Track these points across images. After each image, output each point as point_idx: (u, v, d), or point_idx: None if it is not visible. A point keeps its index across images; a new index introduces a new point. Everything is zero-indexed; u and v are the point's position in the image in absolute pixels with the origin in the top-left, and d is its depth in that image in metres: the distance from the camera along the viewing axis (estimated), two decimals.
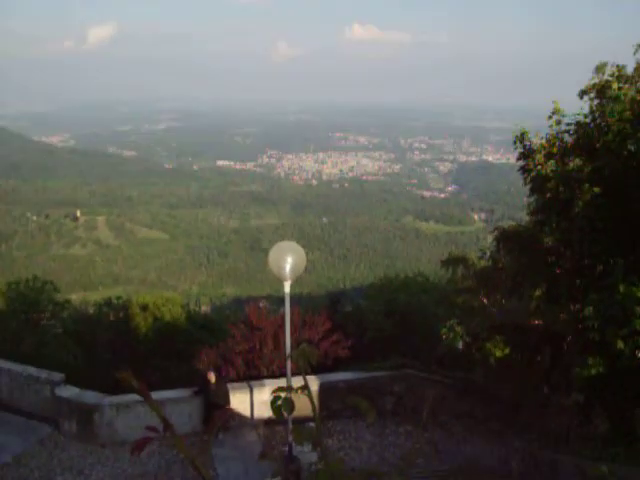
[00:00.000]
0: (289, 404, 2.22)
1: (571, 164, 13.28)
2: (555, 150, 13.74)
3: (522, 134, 14.44)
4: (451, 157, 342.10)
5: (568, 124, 13.98)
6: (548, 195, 13.57)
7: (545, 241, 14.09)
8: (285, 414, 2.23)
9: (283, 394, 2.25)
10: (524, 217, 17.05)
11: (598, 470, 5.21)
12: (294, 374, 13.47)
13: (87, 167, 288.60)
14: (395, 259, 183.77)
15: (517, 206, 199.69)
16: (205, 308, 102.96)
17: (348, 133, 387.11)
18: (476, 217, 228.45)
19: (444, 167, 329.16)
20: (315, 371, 18.00)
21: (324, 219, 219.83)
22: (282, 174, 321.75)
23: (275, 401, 2.23)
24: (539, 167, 13.71)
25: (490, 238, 17.70)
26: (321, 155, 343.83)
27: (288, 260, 11.71)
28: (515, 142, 14.55)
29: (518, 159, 14.57)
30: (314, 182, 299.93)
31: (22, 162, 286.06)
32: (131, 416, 16.33)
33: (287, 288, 12.16)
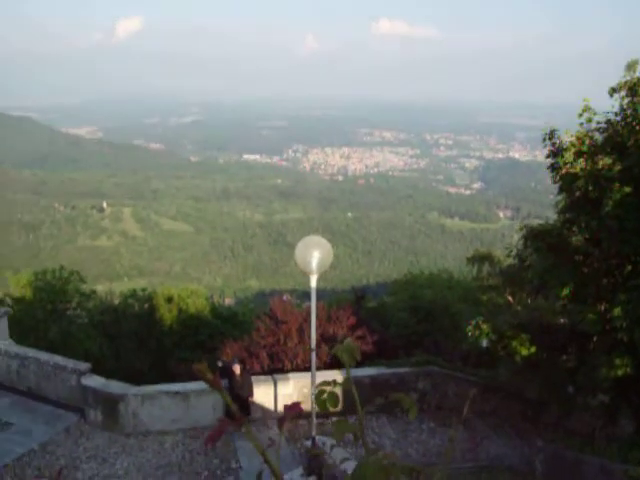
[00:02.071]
0: (334, 398, 2.23)
1: (601, 162, 13.14)
2: (585, 148, 13.61)
3: (552, 132, 14.30)
4: (477, 154, 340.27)
5: (598, 122, 13.85)
6: (577, 194, 13.46)
7: (573, 240, 13.98)
8: (330, 408, 2.24)
9: (328, 388, 2.25)
10: (551, 215, 16.91)
11: (638, 473, 5.18)
12: (318, 368, 13.49)
13: (114, 159, 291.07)
14: (420, 255, 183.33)
15: (543, 204, 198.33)
16: (229, 301, 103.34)
17: (374, 128, 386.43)
18: (501, 214, 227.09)
19: (470, 164, 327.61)
20: (340, 366, 18.03)
21: (349, 214, 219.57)
22: (308, 168, 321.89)
23: (320, 395, 2.24)
24: (568, 165, 13.59)
25: (516, 236, 17.61)
26: (347, 150, 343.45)
27: (315, 254, 11.70)
28: (544, 140, 14.41)
29: (547, 157, 14.43)
30: (340, 177, 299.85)
31: (50, 153, 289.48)
32: (156, 407, 16.47)
33: (313, 282, 12.15)
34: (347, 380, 2.15)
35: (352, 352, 2.20)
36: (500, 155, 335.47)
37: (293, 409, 2.02)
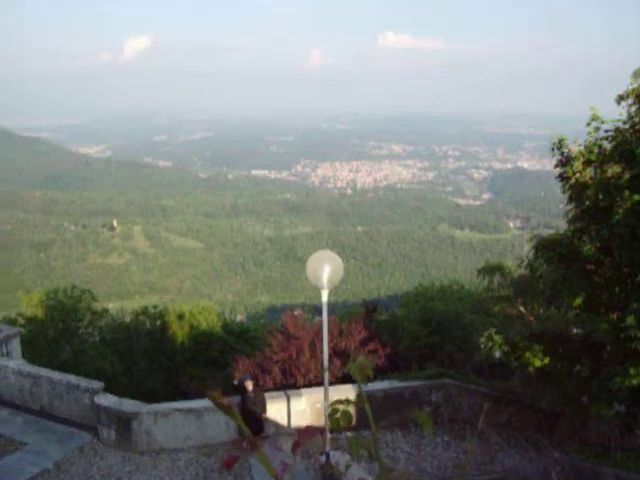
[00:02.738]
0: (347, 416, 2.22)
1: (610, 171, 13.09)
2: (594, 157, 13.56)
3: (560, 141, 14.25)
4: (486, 164, 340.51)
5: (607, 130, 13.79)
6: (587, 203, 13.40)
7: (584, 249, 13.91)
8: (342, 425, 2.23)
9: (341, 406, 2.25)
10: (560, 224, 16.88)
11: None
12: (331, 383, 13.46)
13: (123, 177, 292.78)
14: (430, 267, 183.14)
15: (553, 213, 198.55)
16: (240, 317, 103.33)
17: (382, 141, 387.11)
18: (511, 225, 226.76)
19: (479, 174, 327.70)
20: (352, 380, 17.98)
21: (359, 228, 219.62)
22: (317, 183, 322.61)
23: (333, 413, 2.23)
24: (577, 175, 13.55)
25: (526, 246, 17.54)
26: (355, 164, 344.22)
27: (326, 269, 11.69)
28: (553, 149, 14.36)
29: (556, 166, 14.38)
30: (349, 191, 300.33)
31: (60, 173, 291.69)
32: (169, 424, 16.45)
33: (325, 297, 12.14)
34: (360, 397, 2.14)
35: (365, 370, 2.19)
36: (509, 165, 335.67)
37: (307, 433, 2.01)
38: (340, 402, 2.24)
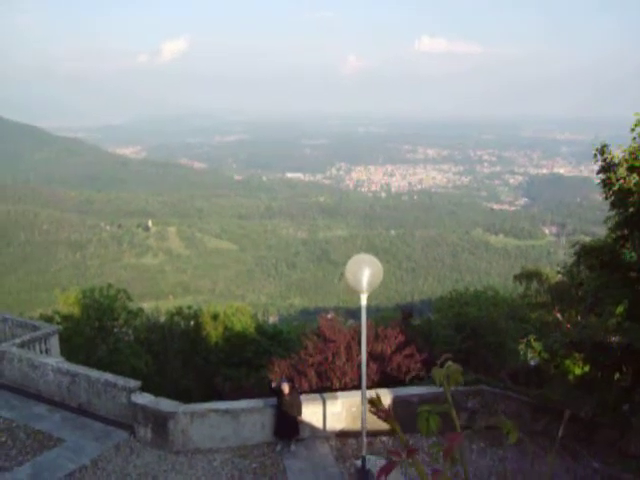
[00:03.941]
0: (436, 421, 2.19)
1: None
2: (638, 163, 13.37)
3: (603, 147, 14.08)
4: (522, 169, 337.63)
5: None
6: (631, 209, 13.21)
7: (627, 257, 13.71)
8: (432, 429, 2.21)
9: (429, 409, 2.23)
10: (597, 231, 16.69)
11: None
12: (367, 387, 13.42)
13: (159, 178, 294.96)
14: (464, 272, 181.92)
15: (589, 220, 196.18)
16: (273, 319, 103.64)
17: (417, 145, 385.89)
18: (547, 231, 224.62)
19: (514, 180, 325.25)
20: (388, 384, 17.94)
21: (392, 231, 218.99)
22: (351, 186, 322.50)
23: (423, 416, 2.21)
24: (621, 181, 13.36)
25: (561, 252, 17.35)
26: (390, 167, 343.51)
27: (366, 272, 11.62)
28: (595, 155, 14.19)
29: (598, 172, 14.19)
30: (383, 194, 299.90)
31: (96, 173, 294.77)
32: (205, 425, 16.48)
33: (364, 301, 12.07)
34: (448, 404, 2.11)
35: (454, 376, 2.17)
36: (544, 170, 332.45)
37: (456, 439, 1.99)
38: (427, 405, 2.22)
